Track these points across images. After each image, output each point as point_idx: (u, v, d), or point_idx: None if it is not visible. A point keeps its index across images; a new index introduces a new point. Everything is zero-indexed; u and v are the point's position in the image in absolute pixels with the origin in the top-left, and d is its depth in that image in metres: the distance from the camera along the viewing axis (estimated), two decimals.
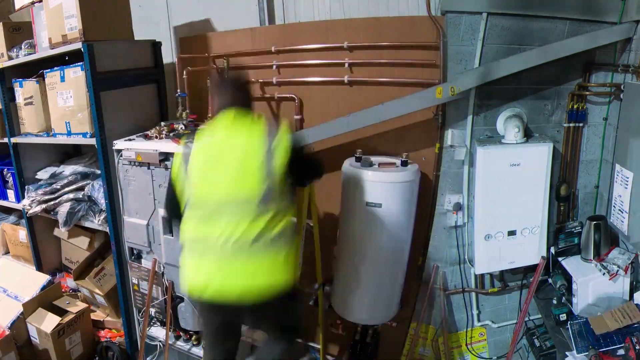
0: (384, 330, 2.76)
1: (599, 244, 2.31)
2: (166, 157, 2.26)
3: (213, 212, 1.77)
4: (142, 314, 2.63)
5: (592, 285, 2.25)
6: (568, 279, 2.34)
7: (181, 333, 2.56)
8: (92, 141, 2.57)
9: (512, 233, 2.41)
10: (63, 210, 2.89)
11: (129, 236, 2.48)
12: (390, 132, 2.62)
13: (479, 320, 2.69)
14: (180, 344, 2.59)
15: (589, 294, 2.25)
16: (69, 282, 3.37)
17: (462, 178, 2.50)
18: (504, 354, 2.72)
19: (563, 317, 2.29)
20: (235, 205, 1.75)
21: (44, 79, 2.77)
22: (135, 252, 2.55)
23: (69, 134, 2.70)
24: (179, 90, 2.83)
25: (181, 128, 2.58)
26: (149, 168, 2.30)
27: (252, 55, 2.85)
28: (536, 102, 2.48)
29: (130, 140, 2.41)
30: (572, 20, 2.29)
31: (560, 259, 2.43)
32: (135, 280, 2.54)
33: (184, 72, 2.83)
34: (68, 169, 3.06)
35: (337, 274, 2.60)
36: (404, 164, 2.43)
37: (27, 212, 3.10)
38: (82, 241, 3.23)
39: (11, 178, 3.31)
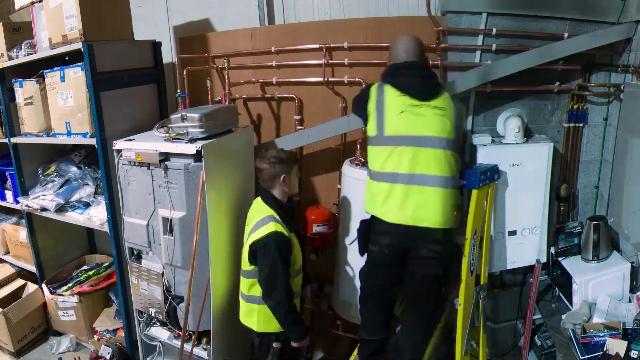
0: None
1: (598, 244, 2.31)
2: (166, 157, 2.26)
3: None
4: (142, 314, 2.63)
5: (592, 285, 2.25)
6: (567, 279, 2.34)
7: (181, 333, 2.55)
8: (92, 141, 2.57)
9: (512, 233, 2.41)
10: None
11: (129, 236, 2.47)
12: None
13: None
14: (180, 344, 2.59)
15: (589, 294, 2.25)
16: None
17: None
18: (503, 354, 2.72)
19: None
20: None
21: (44, 79, 2.76)
22: (135, 252, 2.55)
23: (69, 134, 2.69)
24: (179, 90, 2.83)
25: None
26: (149, 168, 2.30)
27: (252, 55, 2.85)
28: (536, 102, 2.48)
29: (130, 140, 2.41)
30: (572, 20, 2.30)
31: (560, 259, 2.43)
32: (135, 281, 2.54)
33: (184, 72, 2.83)
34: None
35: (338, 274, 2.60)
36: None
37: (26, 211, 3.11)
38: None
39: (10, 178, 3.31)
